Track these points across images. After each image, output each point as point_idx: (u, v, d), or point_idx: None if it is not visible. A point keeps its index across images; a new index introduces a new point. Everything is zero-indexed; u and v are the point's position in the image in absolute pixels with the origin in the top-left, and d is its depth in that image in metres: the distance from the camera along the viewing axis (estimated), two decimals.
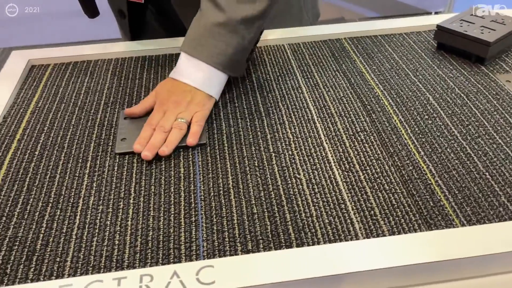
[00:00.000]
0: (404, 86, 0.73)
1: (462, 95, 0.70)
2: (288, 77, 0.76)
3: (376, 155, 0.59)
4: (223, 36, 0.64)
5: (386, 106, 0.68)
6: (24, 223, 0.52)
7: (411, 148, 0.60)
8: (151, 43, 0.85)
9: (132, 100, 0.72)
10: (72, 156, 0.61)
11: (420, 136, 0.62)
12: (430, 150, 0.60)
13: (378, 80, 0.75)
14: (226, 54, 0.65)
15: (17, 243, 0.50)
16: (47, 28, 2.57)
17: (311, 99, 0.71)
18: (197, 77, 0.65)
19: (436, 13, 2.76)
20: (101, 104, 0.71)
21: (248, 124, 0.66)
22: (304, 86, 0.74)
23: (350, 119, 0.66)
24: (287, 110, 0.68)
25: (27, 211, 0.53)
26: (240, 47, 0.66)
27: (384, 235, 0.49)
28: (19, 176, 0.58)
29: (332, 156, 0.60)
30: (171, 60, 0.82)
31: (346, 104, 0.69)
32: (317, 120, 0.66)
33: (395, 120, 0.65)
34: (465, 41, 0.77)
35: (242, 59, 0.69)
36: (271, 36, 0.87)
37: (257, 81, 0.76)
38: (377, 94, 0.71)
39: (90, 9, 0.67)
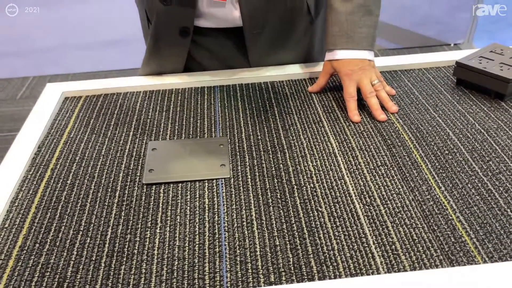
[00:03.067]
0: (424, 121, 0.74)
1: (482, 130, 0.71)
2: (309, 111, 0.79)
3: (396, 189, 0.60)
4: (362, 22, 0.77)
5: (406, 140, 0.70)
6: (55, 250, 0.54)
7: (431, 183, 0.61)
8: (177, 77, 0.89)
9: (159, 132, 0.75)
10: (102, 185, 0.64)
11: (441, 171, 0.63)
12: (450, 186, 0.61)
13: (398, 115, 0.76)
14: (371, 35, 0.79)
15: (49, 270, 0.52)
16: (75, 57, 2.67)
17: (332, 132, 0.73)
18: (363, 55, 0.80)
19: (455, 44, 2.78)
20: (129, 136, 0.74)
21: (271, 157, 0.68)
22: (325, 119, 0.76)
23: (370, 153, 0.67)
24: (308, 143, 0.70)
25: (59, 239, 0.56)
26: (376, 23, 0.79)
27: (405, 270, 0.49)
28: (52, 204, 0.61)
29: (353, 190, 0.61)
30: (196, 93, 0.85)
31: (367, 138, 0.71)
32: (338, 153, 0.68)
33: (415, 155, 0.67)
34: (484, 78, 0.78)
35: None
36: (292, 70, 0.90)
37: (279, 114, 0.78)
38: (397, 128, 0.73)
39: None
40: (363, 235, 0.54)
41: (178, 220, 0.58)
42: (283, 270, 0.51)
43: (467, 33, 2.74)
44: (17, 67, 2.67)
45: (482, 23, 3.01)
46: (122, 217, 0.58)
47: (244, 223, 0.57)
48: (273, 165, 0.66)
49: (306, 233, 0.55)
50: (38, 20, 2.53)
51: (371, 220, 0.56)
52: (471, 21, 2.69)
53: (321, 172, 0.64)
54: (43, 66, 2.68)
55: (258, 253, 0.53)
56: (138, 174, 0.66)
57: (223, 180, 0.64)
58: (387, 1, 2.59)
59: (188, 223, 0.57)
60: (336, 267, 0.50)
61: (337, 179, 0.63)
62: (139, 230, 0.57)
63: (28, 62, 2.67)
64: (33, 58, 2.66)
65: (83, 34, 2.62)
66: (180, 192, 0.62)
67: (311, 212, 0.58)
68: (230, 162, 0.67)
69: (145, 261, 0.53)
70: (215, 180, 0.64)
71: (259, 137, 0.72)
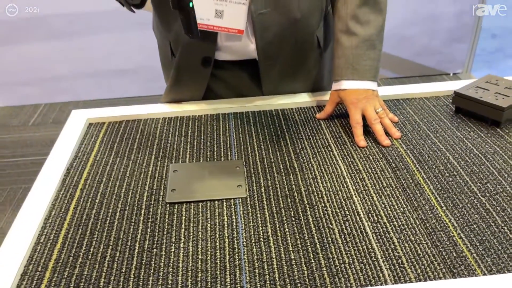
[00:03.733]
0: (426, 146, 0.80)
1: (480, 155, 0.76)
2: (319, 136, 0.84)
3: (401, 209, 0.65)
4: (366, 55, 0.85)
5: (409, 164, 0.75)
6: (88, 263, 0.59)
7: (433, 203, 0.66)
8: (195, 104, 0.96)
9: (179, 155, 0.81)
10: (128, 204, 0.69)
11: (442, 192, 0.68)
12: (451, 205, 0.66)
13: (401, 140, 0.82)
14: (374, 67, 0.86)
15: (83, 281, 0.57)
16: (85, 85, 2.76)
17: (340, 156, 0.78)
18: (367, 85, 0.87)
19: (454, 74, 2.86)
20: (152, 158, 0.80)
21: (284, 178, 0.73)
22: (333, 144, 0.82)
23: (376, 175, 0.73)
24: (318, 166, 0.76)
25: (91, 252, 0.61)
26: (379, 57, 0.87)
27: (411, 282, 0.54)
28: (83, 221, 0.66)
29: (361, 209, 0.66)
30: (213, 119, 0.91)
31: (373, 162, 0.76)
32: (347, 175, 0.73)
33: (418, 177, 0.72)
34: (481, 106, 0.84)
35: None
36: (302, 99, 0.96)
37: (290, 139, 0.84)
38: (400, 153, 0.78)
39: (194, 29, 0.71)
40: (372, 250, 0.59)
41: (200, 236, 0.62)
42: (298, 281, 0.55)
43: (466, 64, 2.83)
44: (29, 95, 2.75)
45: (480, 54, 3.11)
46: (148, 233, 0.63)
47: (261, 238, 0.61)
48: (286, 186, 0.71)
49: (319, 248, 0.59)
50: (51, 50, 2.63)
51: (379, 236, 0.61)
52: (469, 52, 2.78)
53: (331, 192, 0.69)
54: (54, 93, 2.76)
55: (275, 266, 0.57)
56: (161, 193, 0.71)
57: (240, 199, 0.69)
58: (389, 32, 2.68)
59: (209, 239, 0.62)
60: (347, 279, 0.55)
61: (346, 199, 0.68)
62: (164, 245, 0.61)
63: (40, 90, 2.76)
64: (45, 86, 2.75)
65: (92, 63, 2.71)
66: (201, 210, 0.67)
67: (323, 229, 0.62)
68: (246, 183, 0.72)
69: (171, 273, 0.57)
70: (232, 200, 0.69)
71: (272, 160, 0.78)
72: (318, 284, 0.54)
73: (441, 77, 2.85)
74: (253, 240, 0.61)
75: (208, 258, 0.59)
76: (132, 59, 2.66)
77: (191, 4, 0.66)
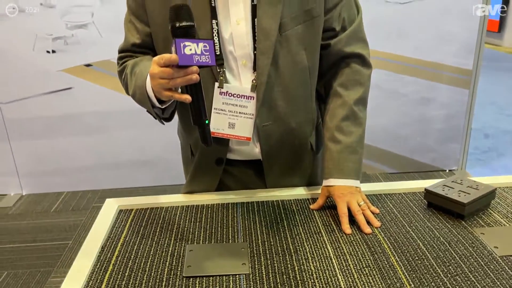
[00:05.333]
0: (401, 234, 0.95)
1: (445, 242, 0.91)
2: (311, 223, 1.00)
3: (377, 285, 0.79)
4: (349, 158, 1.04)
5: (386, 248, 0.90)
6: None
7: (404, 281, 0.80)
8: (208, 195, 1.14)
9: (194, 238, 0.97)
10: (152, 277, 0.84)
11: (412, 272, 0.83)
12: (419, 284, 0.79)
13: (380, 229, 0.97)
14: (356, 168, 1.05)
15: None
16: (105, 175, 2.98)
17: (329, 241, 0.93)
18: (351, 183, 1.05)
19: (450, 171, 3.04)
20: (171, 240, 0.96)
21: (281, 258, 0.88)
22: (323, 231, 0.97)
23: (358, 258, 0.87)
24: (310, 249, 0.91)
25: None
26: (360, 159, 1.05)
27: None
28: None
29: (344, 285, 0.80)
30: (223, 208, 1.08)
31: (355, 246, 0.91)
32: (333, 257, 0.88)
33: (392, 260, 0.86)
34: (447, 202, 1.01)
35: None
36: (298, 192, 1.14)
37: (288, 226, 1.00)
38: (379, 239, 0.93)
39: (209, 140, 0.88)
40: None
41: None
42: None
43: (460, 162, 3.02)
44: (54, 183, 2.97)
45: (474, 153, 3.33)
46: None
47: None
48: (282, 265, 0.86)
49: None
50: (79, 143, 2.90)
51: None
52: (462, 151, 2.99)
53: (320, 271, 0.84)
54: (77, 182, 2.97)
55: None
56: (179, 269, 0.86)
57: (244, 275, 0.84)
58: (385, 131, 2.95)
59: None
60: None
61: (331, 277, 0.82)
62: None
63: (64, 179, 2.97)
64: (69, 175, 2.98)
65: (115, 155, 2.96)
66: (211, 283, 0.82)
67: None
68: (249, 261, 0.87)
69: None
70: (238, 275, 0.84)
71: (272, 243, 0.93)
72: None
73: (438, 173, 3.03)
74: None
75: None
76: (150, 152, 2.91)
77: (207, 122, 0.87)
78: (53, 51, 2.77)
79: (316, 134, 1.17)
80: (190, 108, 0.85)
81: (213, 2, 0.97)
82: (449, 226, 0.97)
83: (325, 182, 1.06)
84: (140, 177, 2.98)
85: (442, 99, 2.91)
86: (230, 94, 1.02)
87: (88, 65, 2.84)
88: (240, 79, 1.02)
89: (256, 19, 0.97)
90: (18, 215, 2.72)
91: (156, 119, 1.02)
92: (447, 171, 3.05)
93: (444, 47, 2.78)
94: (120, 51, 1.09)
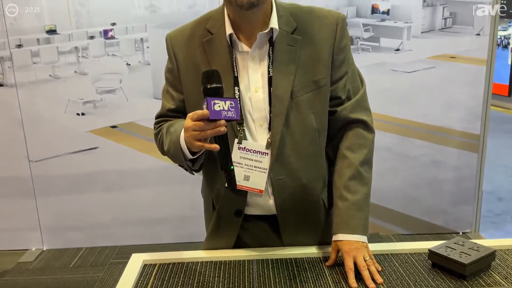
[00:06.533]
0: None
1: None
2: (322, 280, 1.08)
3: None
4: (356, 215, 1.12)
5: None
6: None
7: None
8: (226, 252, 1.22)
9: None
10: None
11: None
12: None
13: (387, 286, 1.04)
14: (362, 224, 1.13)
15: None
16: (123, 232, 3.07)
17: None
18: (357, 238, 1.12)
19: (464, 233, 3.05)
20: None
21: None
22: (333, 286, 1.05)
23: None
24: None
25: None
26: (367, 216, 1.14)
27: None
28: None
29: None
30: (239, 264, 1.17)
31: None
32: None
33: None
34: (449, 262, 1.07)
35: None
36: (309, 250, 1.22)
37: (300, 282, 1.07)
38: None
39: (234, 183, 1.05)
40: None
41: None
42: None
43: (473, 224, 3.04)
44: (73, 239, 3.06)
45: (487, 216, 3.34)
46: None
47: None
48: None
49: None
50: (101, 200, 3.02)
51: None
52: (474, 214, 3.01)
53: None
54: (96, 239, 3.06)
55: None
56: None
57: None
58: (398, 192, 2.99)
59: None
60: None
61: None
62: None
63: (84, 235, 3.07)
64: (88, 231, 3.07)
65: (134, 212, 3.06)
66: None
67: None
68: None
69: None
70: None
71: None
72: None
73: (451, 235, 3.04)
74: None
75: None
76: (168, 210, 3.01)
77: (232, 167, 1.02)
78: (83, 114, 2.99)
79: (328, 191, 1.27)
80: (218, 156, 1.00)
81: (236, 72, 1.13)
82: (451, 285, 1.04)
83: (334, 237, 1.15)
84: (157, 234, 3.05)
85: (453, 162, 2.99)
86: (247, 150, 1.15)
87: (113, 127, 3.04)
88: (257, 137, 1.16)
89: (271, 88, 1.13)
90: (38, 270, 2.80)
91: (187, 170, 1.15)
92: (461, 233, 3.06)
93: (451, 113, 2.91)
94: (157, 117, 1.26)
